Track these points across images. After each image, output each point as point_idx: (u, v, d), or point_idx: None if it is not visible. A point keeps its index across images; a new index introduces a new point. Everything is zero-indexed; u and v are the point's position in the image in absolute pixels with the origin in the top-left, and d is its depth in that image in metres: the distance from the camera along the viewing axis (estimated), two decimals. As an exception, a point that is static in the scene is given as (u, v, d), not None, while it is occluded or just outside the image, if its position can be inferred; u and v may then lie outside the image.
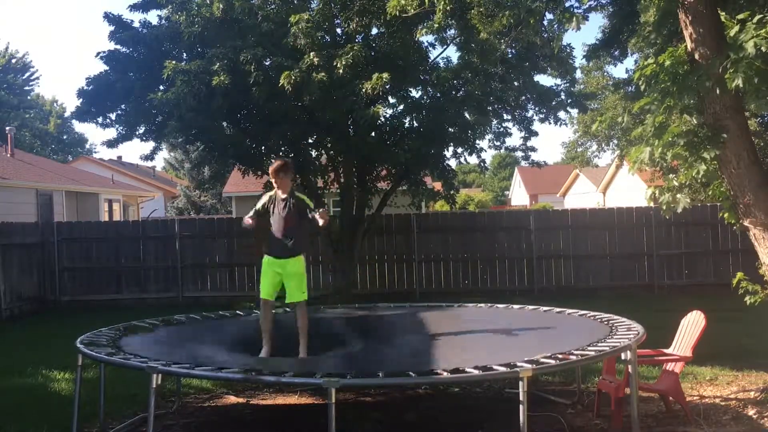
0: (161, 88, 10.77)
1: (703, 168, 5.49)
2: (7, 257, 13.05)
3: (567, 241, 14.07)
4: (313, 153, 12.85)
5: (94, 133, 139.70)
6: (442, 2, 7.18)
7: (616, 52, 11.19)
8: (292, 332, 5.85)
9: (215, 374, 4.84)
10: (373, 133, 11.52)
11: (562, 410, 6.00)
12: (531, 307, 7.56)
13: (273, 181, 5.87)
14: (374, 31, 11.30)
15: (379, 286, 14.19)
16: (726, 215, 6.27)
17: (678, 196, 5.87)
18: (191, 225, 15.47)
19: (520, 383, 4.22)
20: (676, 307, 7.58)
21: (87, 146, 55.74)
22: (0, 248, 12.85)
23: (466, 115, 11.60)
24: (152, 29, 11.63)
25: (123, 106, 11.81)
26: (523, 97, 12.50)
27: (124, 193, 27.26)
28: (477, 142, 12.38)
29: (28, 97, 51.37)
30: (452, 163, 12.83)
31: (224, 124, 11.73)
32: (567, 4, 7.26)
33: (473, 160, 13.08)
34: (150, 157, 13.23)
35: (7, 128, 24.16)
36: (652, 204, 6.50)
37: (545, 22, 7.59)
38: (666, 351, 5.97)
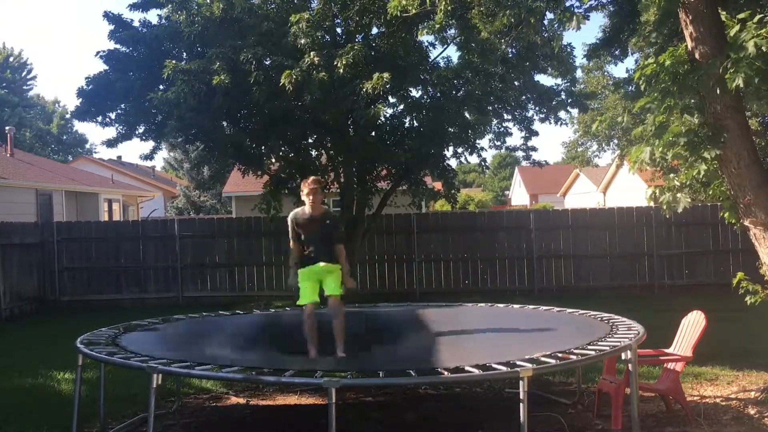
0: (161, 87, 10.76)
1: (703, 168, 5.49)
2: (6, 257, 13.05)
3: (567, 241, 14.08)
4: (313, 153, 12.85)
5: (94, 133, 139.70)
6: (443, 2, 7.17)
7: (617, 52, 11.17)
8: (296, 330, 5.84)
9: (215, 374, 4.85)
10: (373, 133, 11.51)
11: (562, 410, 6.00)
12: (531, 306, 7.57)
13: (307, 196, 5.84)
14: (374, 30, 11.29)
15: (379, 286, 14.19)
16: (726, 215, 6.27)
17: (678, 195, 5.87)
18: (191, 225, 15.47)
19: (521, 383, 4.22)
20: (676, 307, 7.59)
21: (87, 146, 55.78)
22: (0, 248, 12.84)
23: (466, 114, 11.59)
24: (152, 29, 11.61)
25: (123, 106, 11.79)
26: (524, 97, 12.47)
27: (123, 193, 27.26)
28: (477, 141, 12.39)
29: (27, 96, 51.39)
30: (452, 162, 12.83)
31: (224, 123, 11.71)
32: (567, 4, 7.26)
33: (474, 159, 13.09)
34: (150, 156, 13.23)
35: (7, 128, 24.16)
36: (652, 204, 6.47)
37: (546, 22, 7.59)
38: (666, 351, 5.97)
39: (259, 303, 13.22)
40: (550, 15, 7.17)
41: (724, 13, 5.67)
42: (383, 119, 11.14)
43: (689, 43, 5.66)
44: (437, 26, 7.93)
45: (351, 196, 12.32)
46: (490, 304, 7.99)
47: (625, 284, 13.76)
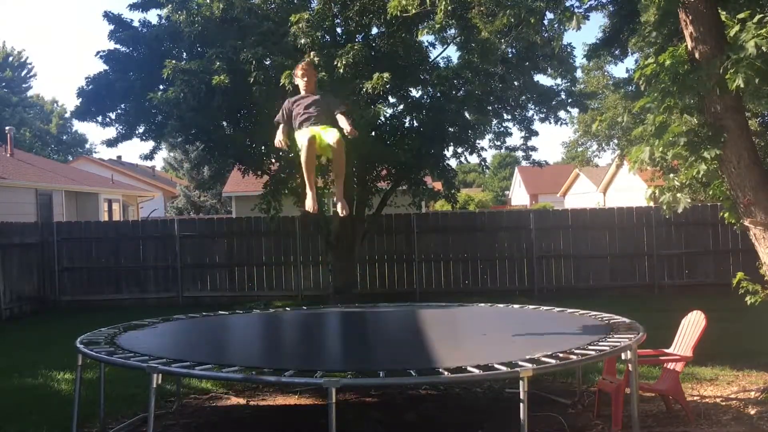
0: (161, 87, 10.77)
1: (703, 168, 5.49)
2: (6, 257, 13.05)
3: (567, 241, 14.07)
4: (313, 153, 12.82)
5: (94, 133, 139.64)
6: (443, 2, 7.18)
7: (617, 52, 11.16)
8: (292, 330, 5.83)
9: (215, 374, 4.84)
10: (373, 133, 11.51)
11: (562, 410, 6.00)
12: (531, 306, 7.57)
13: (300, 78, 5.68)
14: (374, 30, 11.29)
15: (379, 286, 14.19)
16: (726, 215, 6.27)
17: (678, 195, 5.87)
18: (191, 225, 15.46)
19: (521, 383, 4.21)
20: (676, 307, 7.58)
21: (87, 146, 55.78)
22: (0, 248, 12.84)
23: (466, 114, 11.59)
24: (152, 28, 11.62)
25: (123, 106, 11.80)
26: (524, 97, 12.48)
27: (123, 193, 27.25)
28: (477, 141, 12.39)
29: (27, 95, 51.38)
30: (452, 162, 12.83)
31: (224, 123, 11.72)
32: (567, 4, 7.26)
33: (474, 159, 13.10)
34: (150, 156, 13.23)
35: (7, 128, 24.13)
36: (652, 204, 6.49)
37: (546, 22, 7.59)
38: (666, 351, 5.97)
39: (259, 303, 13.22)
40: (550, 15, 7.19)
41: (724, 13, 5.67)
42: (383, 119, 11.14)
43: (689, 43, 5.66)
44: (437, 26, 7.94)
45: (351, 196, 12.31)
46: (490, 304, 7.98)
47: (625, 284, 13.75)
